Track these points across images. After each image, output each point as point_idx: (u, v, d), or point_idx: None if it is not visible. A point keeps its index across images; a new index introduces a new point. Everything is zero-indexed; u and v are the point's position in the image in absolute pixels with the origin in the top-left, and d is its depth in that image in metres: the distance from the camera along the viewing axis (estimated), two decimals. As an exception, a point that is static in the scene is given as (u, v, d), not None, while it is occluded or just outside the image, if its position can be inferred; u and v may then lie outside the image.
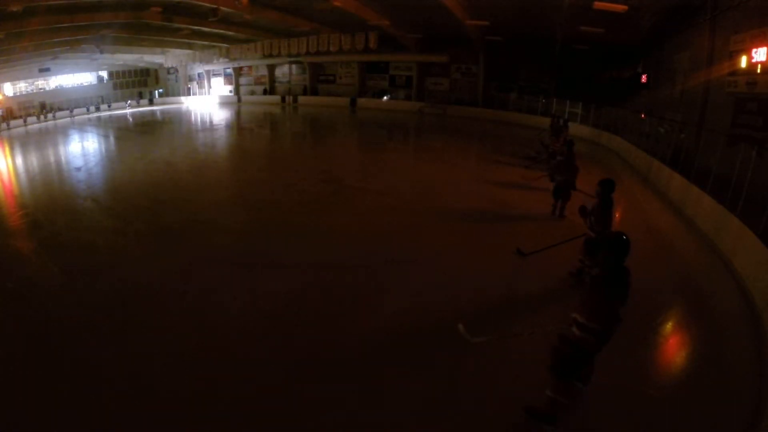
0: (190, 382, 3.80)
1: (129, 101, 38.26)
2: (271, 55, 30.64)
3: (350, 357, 4.14)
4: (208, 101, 40.06)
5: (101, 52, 26.65)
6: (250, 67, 38.36)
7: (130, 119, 29.23)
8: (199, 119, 29.12)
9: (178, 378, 3.85)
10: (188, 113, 32.76)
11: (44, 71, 31.46)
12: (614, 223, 5.28)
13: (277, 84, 37.52)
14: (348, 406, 3.53)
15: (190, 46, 31.94)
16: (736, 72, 9.79)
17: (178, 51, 33.58)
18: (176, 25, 22.60)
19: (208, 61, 35.63)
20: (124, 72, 38.83)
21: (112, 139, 21.43)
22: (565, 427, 3.32)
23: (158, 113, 33.07)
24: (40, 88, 32.86)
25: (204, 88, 41.67)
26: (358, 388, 3.70)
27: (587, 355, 2.77)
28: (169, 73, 41.03)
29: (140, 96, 39.32)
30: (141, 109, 36.70)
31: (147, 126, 26.16)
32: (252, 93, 38.86)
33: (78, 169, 13.18)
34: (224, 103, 38.84)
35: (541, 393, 3.14)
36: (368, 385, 3.77)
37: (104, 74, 37.60)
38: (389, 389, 3.70)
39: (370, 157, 15.85)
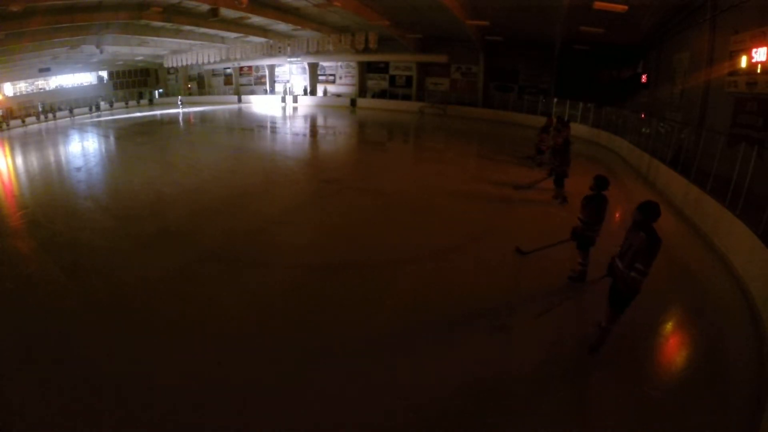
0: (189, 381, 3.81)
1: (180, 98, 34.64)
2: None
3: (357, 348, 4.30)
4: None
5: (101, 51, 26.59)
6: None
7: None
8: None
9: (178, 377, 3.86)
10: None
11: (44, 71, 31.41)
12: (608, 218, 5.41)
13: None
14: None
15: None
16: (736, 72, 9.77)
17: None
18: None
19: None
20: (124, 72, 38.79)
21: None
22: (566, 427, 3.33)
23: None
24: (40, 88, 32.84)
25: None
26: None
27: (637, 291, 3.82)
28: (169, 73, 40.94)
29: (140, 96, 39.19)
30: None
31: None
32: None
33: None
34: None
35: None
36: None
37: (104, 74, 37.58)
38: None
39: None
